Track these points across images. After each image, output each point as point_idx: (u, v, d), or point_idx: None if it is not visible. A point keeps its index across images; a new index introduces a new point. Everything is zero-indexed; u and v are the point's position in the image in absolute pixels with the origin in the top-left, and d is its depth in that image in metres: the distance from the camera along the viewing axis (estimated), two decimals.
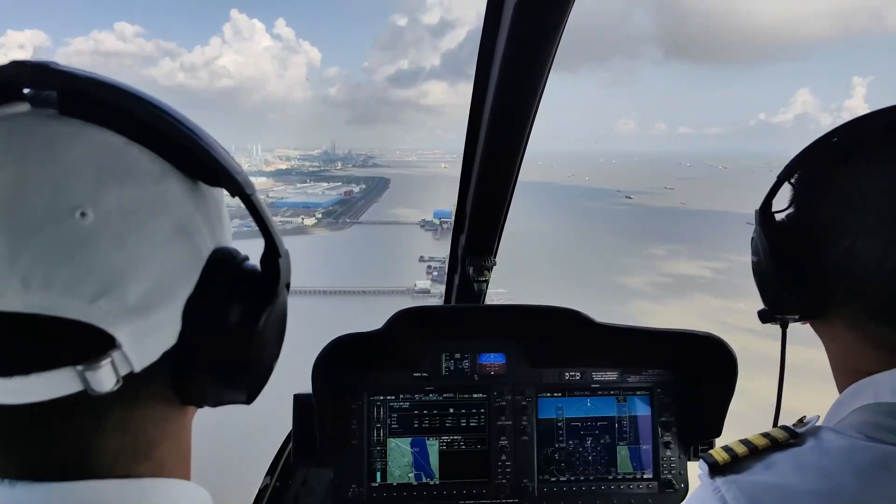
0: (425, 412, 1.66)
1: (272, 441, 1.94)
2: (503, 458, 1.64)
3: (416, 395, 1.66)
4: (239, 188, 0.50)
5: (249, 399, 0.55)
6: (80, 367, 0.41)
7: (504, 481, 1.63)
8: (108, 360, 0.42)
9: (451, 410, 1.66)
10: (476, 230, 1.70)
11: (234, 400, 0.54)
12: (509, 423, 1.65)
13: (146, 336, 0.45)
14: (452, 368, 1.68)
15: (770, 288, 0.80)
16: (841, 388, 0.76)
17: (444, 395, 1.66)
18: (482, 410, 1.66)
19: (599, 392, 1.68)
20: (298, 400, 1.60)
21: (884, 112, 0.71)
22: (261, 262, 0.53)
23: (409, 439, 1.64)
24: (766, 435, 0.70)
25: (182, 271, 0.47)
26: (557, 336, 1.63)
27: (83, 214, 0.42)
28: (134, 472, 0.48)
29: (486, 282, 1.76)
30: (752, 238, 0.81)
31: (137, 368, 0.44)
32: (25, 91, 0.47)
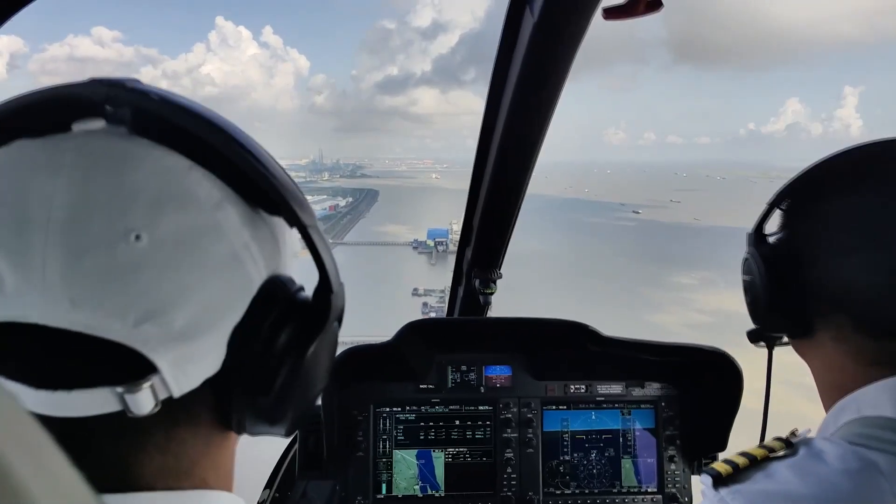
0: (431, 424, 1.81)
1: (266, 455, 2.08)
2: (509, 470, 1.79)
3: (422, 407, 1.82)
4: (296, 220, 0.53)
5: (288, 432, 0.57)
6: (119, 389, 0.45)
7: (509, 494, 1.78)
8: (148, 384, 0.45)
9: (457, 422, 1.82)
10: (483, 243, 1.88)
11: (273, 432, 0.56)
12: (515, 435, 1.81)
13: (188, 363, 0.47)
14: (458, 380, 1.84)
15: (762, 306, 0.93)
16: (826, 406, 0.89)
17: (450, 407, 1.82)
18: (488, 423, 1.82)
19: (604, 405, 1.85)
20: None
21: (859, 149, 0.89)
22: (314, 295, 0.55)
23: (415, 451, 1.80)
24: (763, 446, 0.80)
25: (231, 300, 0.50)
26: (564, 349, 1.80)
27: (137, 238, 0.45)
28: (175, 488, 0.51)
29: (492, 294, 1.94)
30: (745, 258, 0.96)
31: (177, 394, 0.47)
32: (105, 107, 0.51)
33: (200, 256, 0.48)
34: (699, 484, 1.87)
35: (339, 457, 1.76)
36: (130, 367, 0.45)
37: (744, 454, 0.80)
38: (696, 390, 1.81)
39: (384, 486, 1.78)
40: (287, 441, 2.02)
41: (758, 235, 0.94)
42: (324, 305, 0.55)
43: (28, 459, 0.24)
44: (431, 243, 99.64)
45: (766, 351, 1.02)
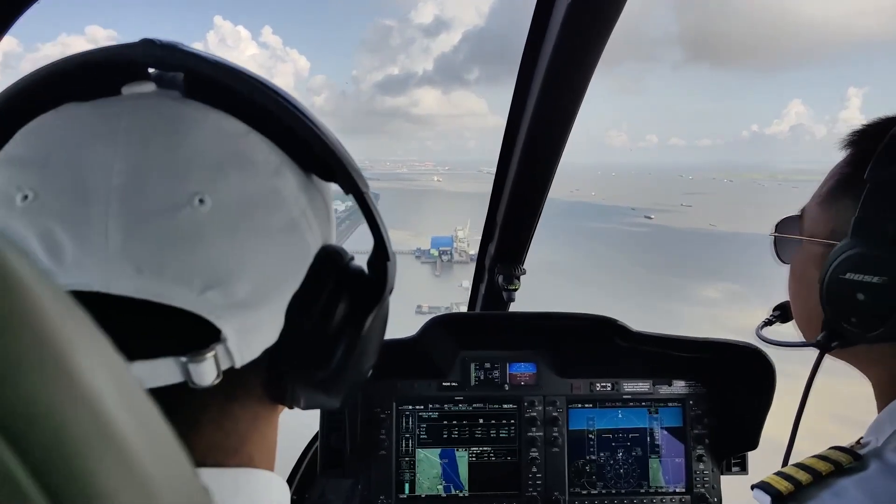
0: (454, 422, 1.87)
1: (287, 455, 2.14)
2: (534, 469, 1.85)
3: (446, 405, 1.88)
4: (354, 185, 0.54)
5: (342, 404, 0.60)
6: (183, 359, 0.45)
7: (535, 494, 1.84)
8: (213, 353, 0.46)
9: (481, 421, 1.88)
10: (507, 238, 1.95)
11: (327, 404, 0.58)
12: (540, 434, 1.87)
13: (251, 332, 0.48)
14: (482, 378, 1.91)
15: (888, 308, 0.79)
16: (881, 403, 0.86)
17: (474, 405, 1.89)
18: (512, 421, 1.88)
19: (631, 403, 1.91)
20: (326, 409, 1.82)
21: None
22: (368, 265, 0.56)
23: (439, 450, 1.86)
24: (825, 458, 0.75)
25: (290, 268, 0.51)
26: (590, 345, 1.86)
27: (201, 202, 0.46)
28: (223, 465, 0.52)
29: (516, 290, 2.00)
30: (861, 254, 0.80)
31: (239, 364, 0.48)
32: (151, 71, 0.53)
33: (262, 222, 0.49)
34: (730, 484, 1.91)
35: (362, 455, 1.82)
36: (194, 336, 0.46)
37: (805, 468, 0.75)
38: (726, 387, 1.86)
39: (407, 485, 1.84)
40: (306, 441, 2.09)
41: (883, 223, 0.78)
42: (381, 275, 0.56)
43: (126, 408, 0.24)
44: (436, 253, 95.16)
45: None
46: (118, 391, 0.24)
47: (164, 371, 0.45)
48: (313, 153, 0.53)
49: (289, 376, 0.54)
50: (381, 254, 0.56)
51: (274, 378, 0.54)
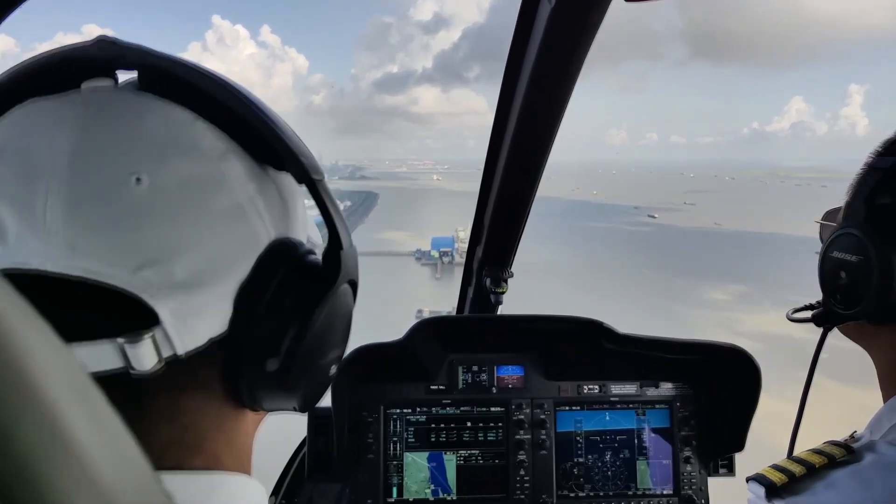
0: (442, 426, 1.90)
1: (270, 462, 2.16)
2: (521, 472, 1.88)
3: (433, 409, 1.91)
4: (303, 171, 0.55)
5: (303, 407, 0.59)
6: (120, 340, 0.46)
7: (522, 497, 1.87)
8: (150, 335, 0.46)
9: (469, 424, 1.91)
10: (494, 241, 1.98)
11: (285, 405, 0.58)
12: (528, 436, 1.90)
13: (190, 317, 0.49)
14: (470, 381, 1.94)
15: (870, 290, 0.82)
16: (886, 398, 0.87)
17: (462, 408, 1.91)
18: (500, 424, 1.91)
19: (618, 406, 1.94)
20: (314, 413, 1.84)
21: None
22: (323, 256, 0.57)
23: (426, 453, 1.89)
24: (819, 452, 0.78)
25: (235, 254, 0.52)
26: (578, 347, 1.89)
27: (139, 181, 0.47)
28: (186, 464, 0.52)
29: (503, 293, 2.03)
30: (844, 234, 0.87)
31: (181, 351, 0.48)
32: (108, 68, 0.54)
33: (203, 205, 0.50)
34: (717, 485, 1.94)
35: (349, 459, 1.85)
36: (131, 318, 0.47)
37: (799, 461, 0.78)
38: (713, 389, 1.90)
39: (395, 489, 1.87)
40: (294, 446, 2.11)
41: (869, 208, 0.84)
42: (334, 264, 0.56)
43: (83, 414, 0.23)
44: (436, 254, 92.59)
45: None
46: (72, 394, 0.24)
47: (104, 355, 0.46)
48: (265, 143, 0.54)
49: (240, 369, 0.53)
50: (334, 243, 0.57)
51: (227, 372, 0.54)
